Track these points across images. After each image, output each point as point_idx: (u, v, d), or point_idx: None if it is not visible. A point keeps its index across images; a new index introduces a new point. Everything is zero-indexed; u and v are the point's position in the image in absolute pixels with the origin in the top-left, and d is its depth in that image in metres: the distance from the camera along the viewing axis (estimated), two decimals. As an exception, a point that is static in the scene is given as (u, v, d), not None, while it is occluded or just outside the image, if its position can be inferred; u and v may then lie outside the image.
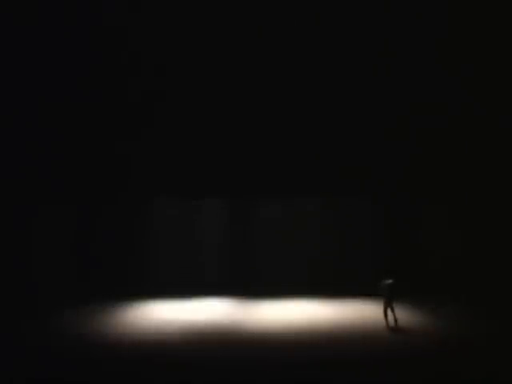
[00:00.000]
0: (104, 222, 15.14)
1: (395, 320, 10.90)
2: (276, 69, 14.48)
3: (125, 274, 14.87)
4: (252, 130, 14.90)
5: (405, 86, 14.64)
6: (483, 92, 14.39)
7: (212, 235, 15.45)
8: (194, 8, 13.81)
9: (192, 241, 15.38)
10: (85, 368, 8.15)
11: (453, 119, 14.69)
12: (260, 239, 15.39)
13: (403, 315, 11.71)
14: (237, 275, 15.11)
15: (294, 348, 9.27)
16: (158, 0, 13.71)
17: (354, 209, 15.45)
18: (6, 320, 11.52)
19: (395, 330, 10.58)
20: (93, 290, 14.34)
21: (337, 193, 15.30)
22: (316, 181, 15.19)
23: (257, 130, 14.91)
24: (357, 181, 15.33)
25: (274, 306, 13.02)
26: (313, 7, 13.83)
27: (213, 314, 12.15)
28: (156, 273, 15.09)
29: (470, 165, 14.73)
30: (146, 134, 14.94)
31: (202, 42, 14.24)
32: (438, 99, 14.70)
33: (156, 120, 14.90)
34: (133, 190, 15.15)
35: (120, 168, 15.06)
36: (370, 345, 9.45)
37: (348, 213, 15.44)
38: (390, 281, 10.91)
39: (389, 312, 11.09)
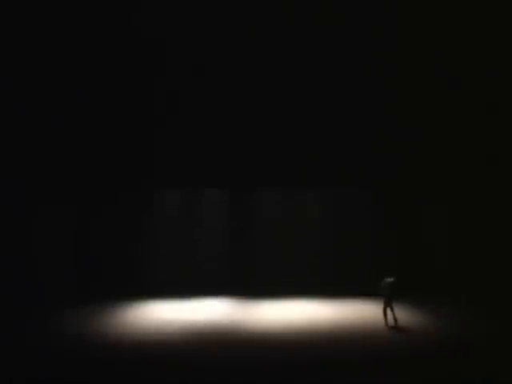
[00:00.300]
0: (104, 221, 15.13)
1: (395, 320, 10.91)
2: (276, 61, 14.39)
3: (125, 274, 14.86)
4: (252, 122, 14.86)
5: (405, 86, 14.66)
6: (483, 92, 14.40)
7: (212, 235, 15.44)
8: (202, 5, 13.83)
9: (192, 241, 15.37)
10: (85, 368, 8.15)
11: (453, 118, 14.70)
12: (260, 238, 15.36)
13: (403, 315, 11.71)
14: (237, 275, 15.10)
15: (294, 348, 9.27)
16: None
17: (354, 208, 15.44)
18: (6, 320, 11.52)
19: (395, 329, 10.58)
20: (93, 289, 14.34)
21: (337, 196, 15.38)
22: (315, 178, 15.22)
23: (257, 122, 14.87)
24: (357, 180, 15.35)
25: (273, 306, 13.02)
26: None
27: (212, 314, 12.15)
28: (156, 273, 15.08)
29: (471, 164, 14.73)
30: (145, 131, 14.92)
31: (205, 36, 14.18)
32: (437, 99, 14.73)
33: (156, 114, 14.86)
34: (132, 189, 15.16)
35: (120, 167, 15.06)
36: (370, 345, 9.45)
37: (348, 213, 15.43)
38: (391, 279, 10.91)
39: (388, 311, 11.10)
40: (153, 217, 15.35)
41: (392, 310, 10.93)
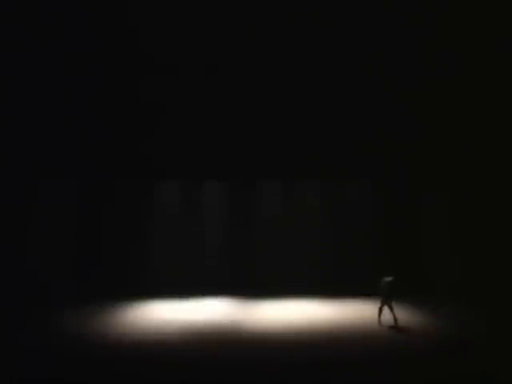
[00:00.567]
0: (103, 222, 15.13)
1: (395, 320, 10.91)
2: (276, 53, 14.34)
3: (125, 274, 14.87)
4: (253, 115, 14.83)
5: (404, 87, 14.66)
6: (483, 91, 14.40)
7: (212, 233, 15.44)
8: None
9: (191, 240, 15.37)
10: (85, 368, 8.15)
11: (453, 117, 14.71)
12: (260, 236, 15.36)
13: (403, 315, 11.72)
14: (237, 274, 15.10)
15: (294, 348, 9.27)
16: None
17: (354, 209, 15.45)
18: (6, 320, 11.51)
19: (395, 329, 10.58)
20: (93, 289, 14.33)
21: (337, 195, 15.39)
22: (315, 177, 15.28)
23: (258, 115, 14.84)
24: (357, 180, 15.38)
25: (273, 306, 13.02)
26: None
27: (212, 314, 12.15)
28: (156, 273, 15.08)
29: (471, 164, 14.73)
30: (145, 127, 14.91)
31: (205, 29, 14.15)
32: (438, 99, 14.74)
33: (155, 106, 14.84)
34: (131, 188, 15.16)
35: (119, 166, 15.07)
36: (370, 345, 9.45)
37: (348, 213, 15.44)
38: (390, 279, 10.91)
39: (386, 310, 11.10)
40: (152, 216, 15.35)
41: (391, 309, 10.92)
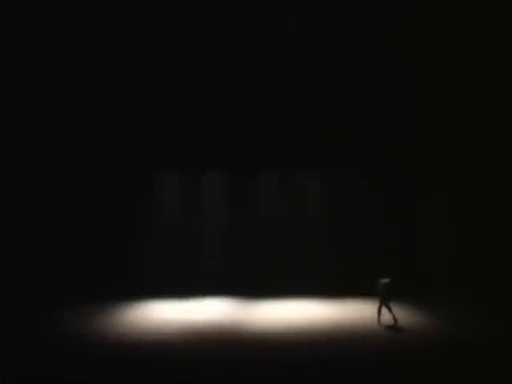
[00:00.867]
0: (103, 221, 15.13)
1: (395, 320, 10.91)
2: (275, 46, 14.25)
3: (125, 274, 14.86)
4: (253, 108, 14.81)
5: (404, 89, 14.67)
6: (483, 91, 14.41)
7: (212, 235, 15.45)
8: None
9: (191, 239, 15.37)
10: (85, 368, 8.15)
11: (453, 117, 14.71)
12: (259, 237, 15.36)
13: (403, 315, 11.71)
14: (237, 275, 15.10)
15: (294, 348, 9.27)
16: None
17: (354, 209, 15.45)
18: (6, 320, 11.51)
19: (395, 329, 10.58)
20: (93, 289, 14.32)
21: (337, 196, 15.44)
22: (315, 176, 15.28)
23: (258, 108, 14.82)
24: (357, 180, 15.38)
25: (273, 306, 13.02)
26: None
27: (212, 314, 12.15)
28: (156, 273, 15.08)
29: (471, 164, 14.73)
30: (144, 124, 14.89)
31: (203, 26, 14.14)
32: (437, 99, 14.75)
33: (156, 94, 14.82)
34: (132, 187, 15.18)
35: (118, 165, 15.09)
36: (370, 345, 9.45)
37: (348, 213, 15.45)
38: (387, 280, 10.91)
39: (385, 311, 11.09)
40: (152, 217, 15.35)
41: (390, 310, 10.92)
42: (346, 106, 14.83)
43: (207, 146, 15.04)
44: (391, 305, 11.05)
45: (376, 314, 11.16)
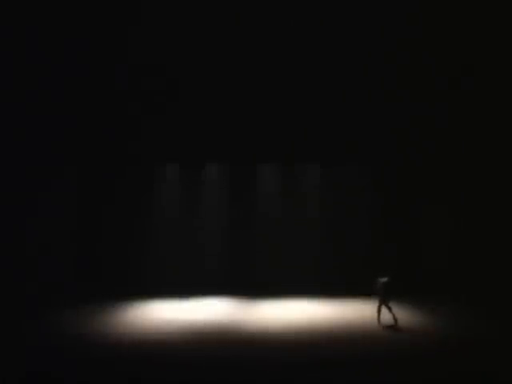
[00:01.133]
0: (103, 221, 15.13)
1: (395, 319, 10.91)
2: (276, 38, 14.15)
3: (125, 274, 14.85)
4: (253, 100, 14.74)
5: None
6: (483, 91, 14.41)
7: (211, 234, 15.45)
8: None
9: (191, 239, 15.37)
10: (85, 368, 8.15)
11: (453, 118, 14.72)
12: (259, 236, 15.36)
13: (403, 315, 11.71)
14: (237, 275, 15.09)
15: (294, 348, 9.27)
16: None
17: (354, 209, 15.45)
18: (6, 320, 11.51)
19: (395, 329, 10.58)
20: (93, 289, 14.32)
21: (337, 195, 15.42)
22: (315, 176, 15.28)
23: (258, 100, 14.74)
24: (357, 180, 15.38)
25: (273, 306, 13.02)
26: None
27: (212, 314, 12.15)
28: (156, 273, 15.07)
29: (471, 164, 14.73)
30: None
31: (205, 17, 14.12)
32: (438, 99, 14.75)
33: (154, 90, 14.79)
34: (131, 185, 15.18)
35: (118, 164, 15.09)
36: (370, 345, 9.45)
37: (348, 213, 15.45)
38: (385, 279, 10.91)
39: (385, 310, 11.09)
40: (151, 216, 15.34)
41: (390, 309, 10.92)
42: (346, 105, 14.82)
43: (207, 139, 15.00)
44: (391, 304, 11.05)
45: (376, 314, 11.16)
